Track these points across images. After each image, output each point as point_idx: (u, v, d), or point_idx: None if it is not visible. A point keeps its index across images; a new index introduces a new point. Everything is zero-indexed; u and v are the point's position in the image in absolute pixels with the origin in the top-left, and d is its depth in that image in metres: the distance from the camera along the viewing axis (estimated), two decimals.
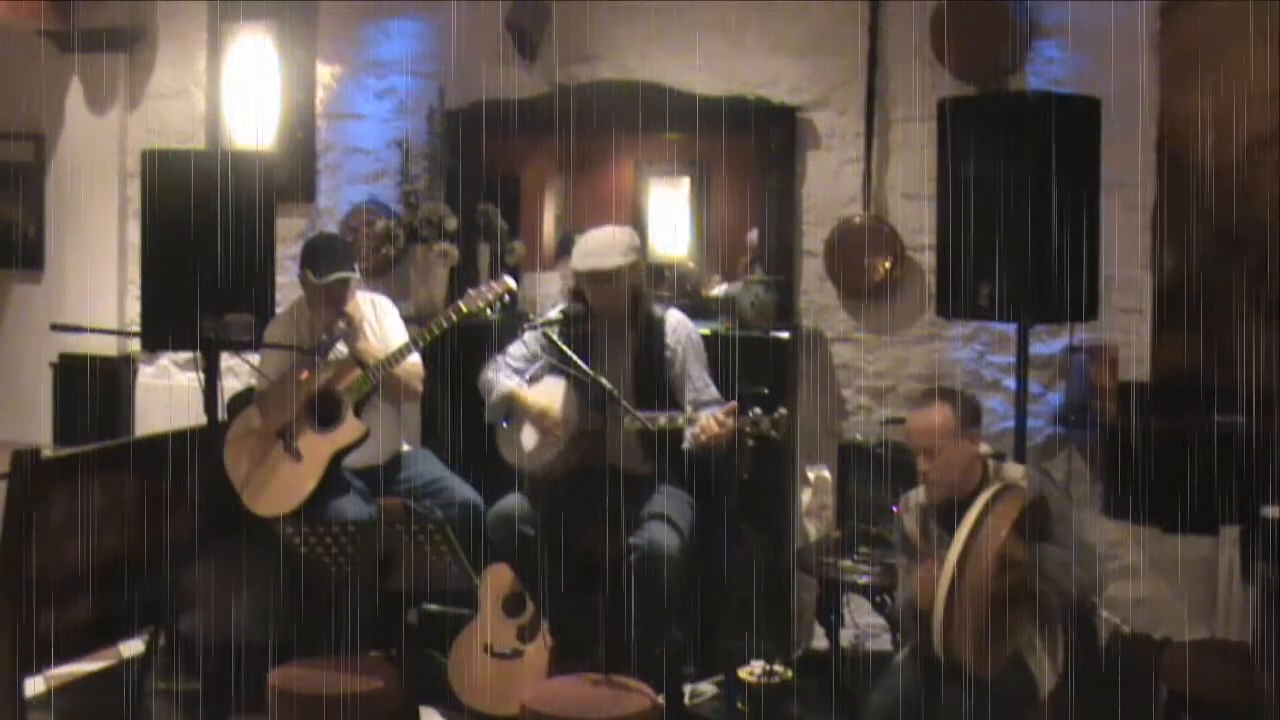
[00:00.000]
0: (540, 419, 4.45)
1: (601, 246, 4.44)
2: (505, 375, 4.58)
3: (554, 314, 4.58)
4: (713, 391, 4.47)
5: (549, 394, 4.48)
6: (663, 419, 4.25)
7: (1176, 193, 4.78)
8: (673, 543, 4.20)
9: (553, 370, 4.51)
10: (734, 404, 4.18)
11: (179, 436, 4.51)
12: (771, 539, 4.96)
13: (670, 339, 4.49)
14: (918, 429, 3.61)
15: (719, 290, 5.44)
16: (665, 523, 4.23)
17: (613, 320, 4.49)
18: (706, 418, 4.16)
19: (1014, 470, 3.63)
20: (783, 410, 4.13)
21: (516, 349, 4.65)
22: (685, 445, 4.25)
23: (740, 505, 4.50)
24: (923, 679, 3.49)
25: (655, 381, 4.43)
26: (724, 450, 4.19)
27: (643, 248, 4.56)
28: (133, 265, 5.95)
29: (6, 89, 6.38)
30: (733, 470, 4.24)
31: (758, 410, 4.12)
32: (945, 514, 3.55)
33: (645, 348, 4.47)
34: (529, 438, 4.50)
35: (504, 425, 4.56)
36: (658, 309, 4.56)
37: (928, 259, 4.96)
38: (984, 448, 3.67)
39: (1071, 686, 3.52)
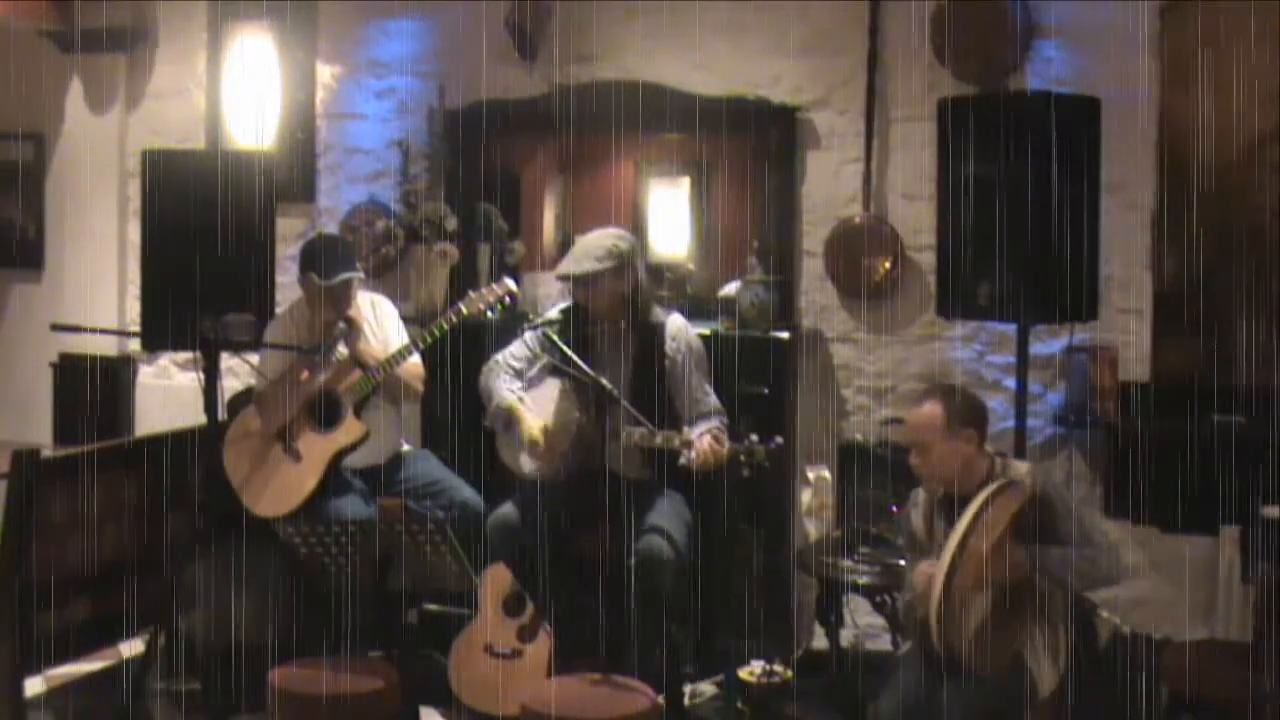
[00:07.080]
0: (532, 447, 4.42)
1: (581, 251, 4.44)
2: (504, 381, 4.56)
3: (554, 314, 4.58)
4: (713, 401, 4.45)
5: (544, 412, 4.44)
6: (659, 439, 4.24)
7: (1176, 193, 4.77)
8: (671, 549, 4.19)
9: (553, 372, 4.49)
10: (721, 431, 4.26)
11: (179, 436, 4.51)
12: (771, 539, 4.96)
13: (669, 345, 4.46)
14: (910, 424, 3.72)
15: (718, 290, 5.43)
16: (664, 528, 4.23)
17: (608, 323, 4.47)
18: (701, 442, 4.16)
19: (1020, 468, 3.64)
20: (778, 439, 4.14)
21: (518, 348, 4.63)
22: (681, 463, 4.24)
23: (740, 505, 4.49)
24: (924, 677, 3.50)
25: (653, 387, 4.41)
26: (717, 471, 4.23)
27: (642, 249, 4.54)
28: (133, 265, 5.95)
29: (6, 89, 6.38)
30: (733, 473, 4.23)
31: (754, 437, 4.13)
32: (950, 510, 3.57)
33: (643, 352, 4.45)
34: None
35: (502, 431, 4.55)
36: (659, 313, 4.54)
37: (928, 259, 4.96)
38: (989, 447, 3.69)
39: (1071, 686, 3.52)
